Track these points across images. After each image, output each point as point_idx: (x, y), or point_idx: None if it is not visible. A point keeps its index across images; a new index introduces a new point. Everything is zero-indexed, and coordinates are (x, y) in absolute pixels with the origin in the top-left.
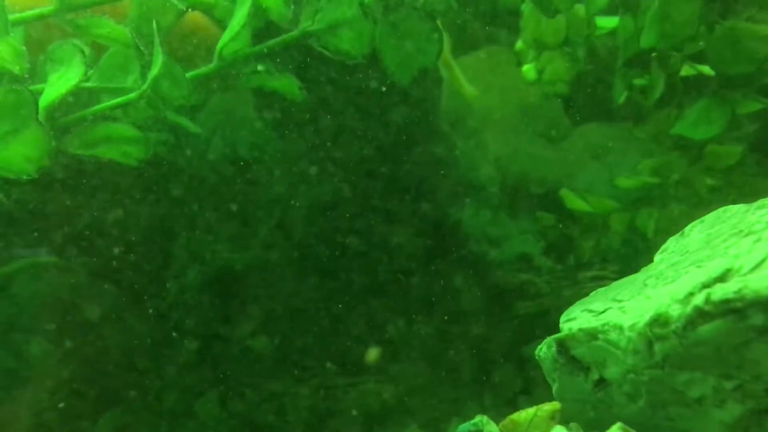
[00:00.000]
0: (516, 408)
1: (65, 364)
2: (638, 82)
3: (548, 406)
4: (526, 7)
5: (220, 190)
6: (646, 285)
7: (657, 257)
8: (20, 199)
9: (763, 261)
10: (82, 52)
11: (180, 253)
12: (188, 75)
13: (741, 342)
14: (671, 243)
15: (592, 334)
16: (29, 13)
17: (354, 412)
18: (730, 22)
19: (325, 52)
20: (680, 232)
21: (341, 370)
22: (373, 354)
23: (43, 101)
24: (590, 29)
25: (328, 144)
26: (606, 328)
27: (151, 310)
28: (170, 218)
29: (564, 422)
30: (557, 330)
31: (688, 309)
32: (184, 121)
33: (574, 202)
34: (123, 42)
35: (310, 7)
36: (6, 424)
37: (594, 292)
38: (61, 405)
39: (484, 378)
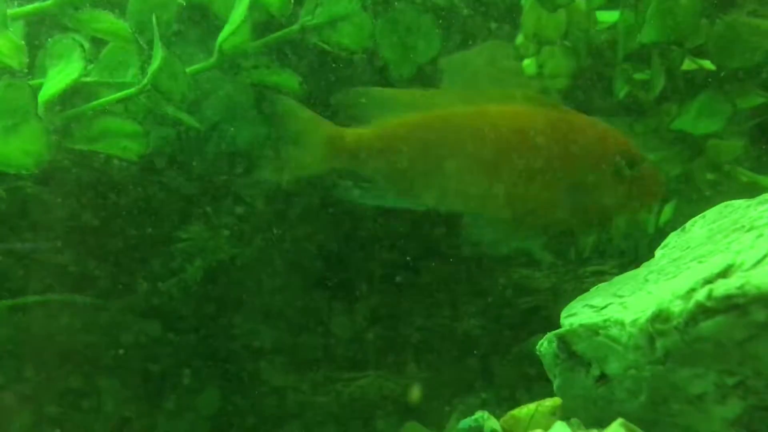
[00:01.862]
0: (517, 404)
1: None
2: (639, 76)
3: (549, 402)
4: (527, 2)
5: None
6: (647, 280)
7: (658, 252)
8: None
9: (765, 257)
10: (82, 46)
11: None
12: (188, 70)
13: (743, 338)
14: (672, 238)
15: (593, 330)
16: (28, 7)
17: (354, 407)
18: (731, 16)
19: (325, 47)
20: (681, 228)
21: (341, 365)
22: (372, 349)
23: (43, 96)
24: (591, 24)
25: None
26: (607, 323)
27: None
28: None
29: (565, 418)
30: (558, 325)
31: (690, 305)
32: (184, 117)
33: None
34: (123, 37)
35: (310, 1)
36: None
37: (595, 288)
38: None
39: (485, 374)
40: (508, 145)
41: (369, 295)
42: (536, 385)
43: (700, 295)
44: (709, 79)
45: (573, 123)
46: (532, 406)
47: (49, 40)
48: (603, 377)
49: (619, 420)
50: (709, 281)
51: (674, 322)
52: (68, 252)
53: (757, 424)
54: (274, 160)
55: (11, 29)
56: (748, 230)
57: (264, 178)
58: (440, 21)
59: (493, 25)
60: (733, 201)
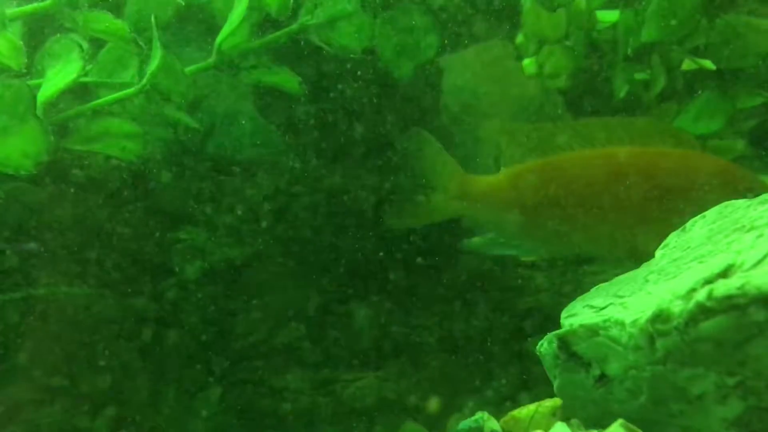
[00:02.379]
0: (517, 404)
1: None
2: (639, 76)
3: (549, 403)
4: (527, 2)
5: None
6: (647, 281)
7: (658, 253)
8: None
9: (765, 257)
10: (80, 46)
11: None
12: (187, 70)
13: (743, 338)
14: (672, 238)
15: (593, 330)
16: (27, 7)
17: (353, 408)
18: (732, 15)
19: (325, 47)
20: (681, 228)
21: (340, 366)
22: (372, 349)
23: (42, 96)
24: (591, 23)
25: (327, 139)
26: (607, 324)
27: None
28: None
29: (565, 418)
30: (558, 326)
31: (690, 305)
32: (183, 117)
33: None
34: (121, 37)
35: (310, 1)
36: None
37: (595, 288)
38: None
39: (485, 374)
40: (641, 189)
41: (368, 296)
42: (536, 385)
43: (701, 295)
44: (709, 79)
45: (708, 164)
46: (532, 406)
47: (48, 40)
48: (603, 378)
49: (620, 420)
50: (709, 281)
51: (674, 323)
52: (69, 252)
53: (757, 424)
54: (400, 208)
55: (10, 29)
56: (749, 230)
57: (391, 226)
58: (440, 21)
59: (493, 25)
60: (734, 201)
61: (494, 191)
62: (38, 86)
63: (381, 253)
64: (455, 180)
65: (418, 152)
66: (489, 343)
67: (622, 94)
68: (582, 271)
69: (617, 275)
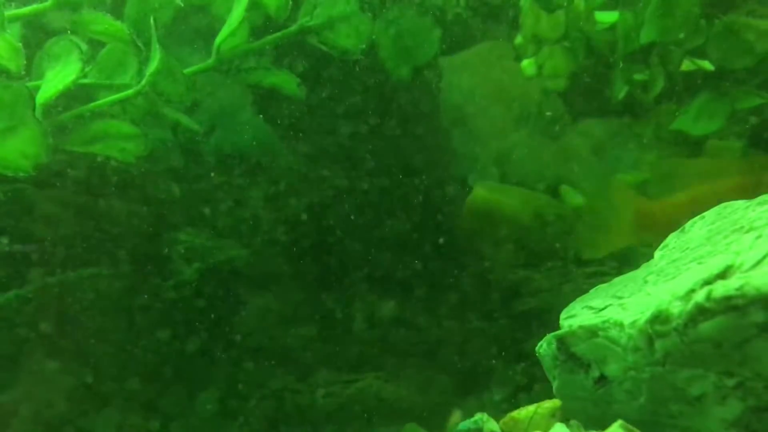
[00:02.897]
0: (516, 405)
1: None
2: (638, 77)
3: (548, 404)
4: (526, 2)
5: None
6: (646, 281)
7: (657, 253)
8: None
9: (764, 258)
10: (80, 48)
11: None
12: (186, 71)
13: (742, 339)
14: (672, 239)
15: (592, 331)
16: (26, 9)
17: (353, 409)
18: (730, 16)
19: (324, 48)
20: (680, 228)
21: (340, 367)
22: (372, 351)
23: (41, 98)
24: (590, 24)
25: (327, 140)
26: (606, 325)
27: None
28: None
29: (564, 419)
30: (557, 327)
31: (689, 306)
32: (182, 118)
33: (574, 197)
34: (121, 38)
35: (309, 2)
36: None
37: (594, 289)
38: None
39: (484, 375)
40: None
41: (368, 297)
42: (536, 386)
43: (700, 296)
44: (709, 80)
45: None
46: (531, 407)
47: (47, 41)
48: (602, 379)
49: (619, 421)
50: (708, 282)
51: (673, 324)
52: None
53: (756, 425)
54: (587, 237)
55: (9, 31)
56: (748, 231)
57: (586, 257)
58: (439, 21)
59: (493, 26)
60: (733, 202)
61: (672, 215)
62: (37, 88)
63: (378, 254)
64: (638, 208)
65: (602, 189)
66: (488, 344)
67: (621, 95)
68: (581, 272)
69: (615, 276)
